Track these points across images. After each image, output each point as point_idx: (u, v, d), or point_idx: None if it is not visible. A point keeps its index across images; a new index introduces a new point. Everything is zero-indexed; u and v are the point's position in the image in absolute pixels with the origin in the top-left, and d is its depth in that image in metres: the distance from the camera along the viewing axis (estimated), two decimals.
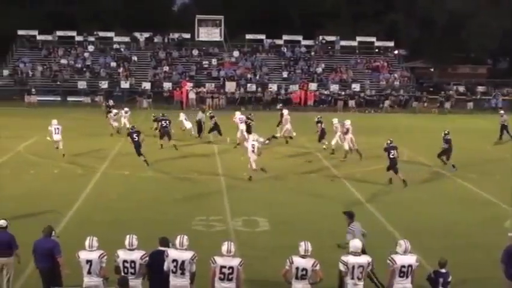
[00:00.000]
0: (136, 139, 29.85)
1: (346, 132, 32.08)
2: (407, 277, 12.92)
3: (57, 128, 31.47)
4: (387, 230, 20.47)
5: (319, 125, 34.90)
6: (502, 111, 42.44)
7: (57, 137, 31.45)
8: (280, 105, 45.96)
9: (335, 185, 27.32)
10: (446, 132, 31.04)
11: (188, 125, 38.01)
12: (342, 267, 12.89)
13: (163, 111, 40.32)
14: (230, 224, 20.76)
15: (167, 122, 35.21)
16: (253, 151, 27.61)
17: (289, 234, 18.75)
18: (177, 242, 12.93)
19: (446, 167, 30.36)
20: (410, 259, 13.02)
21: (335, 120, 34.19)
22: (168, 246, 13.31)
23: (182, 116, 38.34)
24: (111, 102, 43.81)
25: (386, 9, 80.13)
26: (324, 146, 34.65)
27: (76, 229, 18.91)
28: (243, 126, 35.67)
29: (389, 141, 27.64)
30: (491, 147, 38.23)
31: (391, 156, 26.96)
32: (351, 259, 12.87)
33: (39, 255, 13.74)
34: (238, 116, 37.30)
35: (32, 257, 14.00)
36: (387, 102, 61.39)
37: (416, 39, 77.23)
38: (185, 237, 13.01)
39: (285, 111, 38.60)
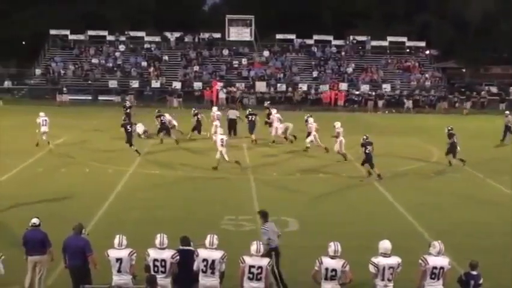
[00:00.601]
0: (129, 130, 32.58)
1: (337, 136, 31.82)
2: (438, 279, 12.87)
3: (45, 120, 33.66)
4: (417, 230, 20.33)
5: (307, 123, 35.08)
6: (507, 112, 41.81)
7: (44, 128, 33.64)
8: (268, 102, 45.94)
9: (364, 185, 27.16)
10: (449, 128, 31.44)
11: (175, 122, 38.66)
12: (372, 269, 12.83)
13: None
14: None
15: (165, 117, 36.77)
16: (222, 145, 28.52)
17: (319, 235, 18.70)
18: (207, 241, 13.00)
19: (481, 168, 30.16)
20: (443, 261, 12.95)
21: (337, 124, 33.83)
22: (190, 245, 13.36)
23: (168, 116, 38.34)
24: (128, 103, 43.06)
25: (417, 9, 79.48)
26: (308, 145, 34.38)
27: (106, 228, 18.99)
28: (217, 123, 35.60)
29: (365, 137, 28.27)
30: None
31: (367, 152, 27.61)
32: (381, 260, 12.83)
33: (70, 253, 13.79)
34: (216, 112, 38.10)
35: (62, 255, 14.09)
36: (409, 103, 60.63)
37: (448, 40, 76.51)
38: (215, 236, 13.08)
39: (274, 110, 38.81)
